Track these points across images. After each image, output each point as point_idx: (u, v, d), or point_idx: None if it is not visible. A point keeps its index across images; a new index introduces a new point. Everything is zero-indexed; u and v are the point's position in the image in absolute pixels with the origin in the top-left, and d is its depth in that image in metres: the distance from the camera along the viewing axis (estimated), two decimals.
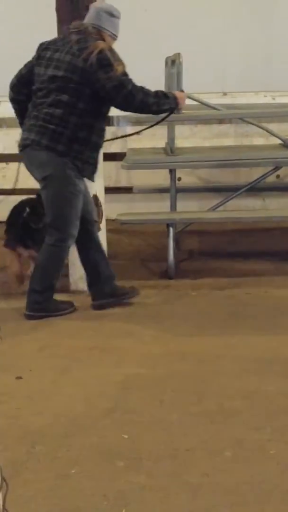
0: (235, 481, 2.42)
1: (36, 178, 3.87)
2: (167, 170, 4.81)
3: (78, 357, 3.47)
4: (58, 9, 4.19)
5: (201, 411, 2.91)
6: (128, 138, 4.97)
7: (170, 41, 5.39)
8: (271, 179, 5.44)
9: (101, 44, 3.68)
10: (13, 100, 3.99)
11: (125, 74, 3.71)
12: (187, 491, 2.37)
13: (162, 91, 3.86)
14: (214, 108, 4.90)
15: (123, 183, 5.46)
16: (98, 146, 3.87)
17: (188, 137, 5.61)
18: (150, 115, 3.97)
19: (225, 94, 5.98)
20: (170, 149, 4.76)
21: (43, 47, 3.87)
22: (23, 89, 3.92)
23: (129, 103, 3.71)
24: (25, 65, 3.95)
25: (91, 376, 3.25)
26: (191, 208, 5.11)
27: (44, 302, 3.93)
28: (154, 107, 3.76)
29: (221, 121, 5.85)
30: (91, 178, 3.91)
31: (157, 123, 4.17)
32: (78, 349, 3.55)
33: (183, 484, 2.41)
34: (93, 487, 2.38)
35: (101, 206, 4.32)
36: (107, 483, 2.42)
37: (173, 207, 4.79)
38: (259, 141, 5.51)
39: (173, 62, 4.53)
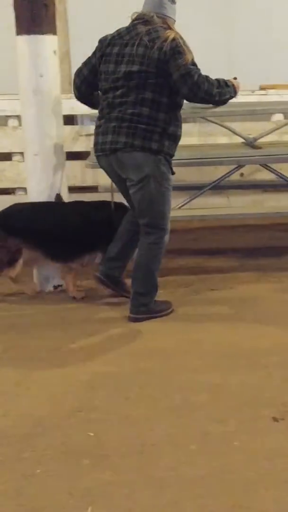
0: (200, 473, 2.44)
1: (130, 180, 3.72)
2: None
3: (43, 357, 3.46)
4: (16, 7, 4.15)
5: (167, 406, 2.92)
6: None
7: None
8: (235, 177, 5.48)
9: (172, 33, 3.59)
10: (81, 100, 3.96)
11: (193, 63, 3.60)
12: (152, 485, 2.38)
13: (223, 80, 3.73)
14: None
15: (89, 183, 5.45)
16: (179, 140, 3.83)
17: None
18: None
19: None
20: None
21: (106, 43, 3.72)
22: (89, 89, 3.86)
23: (195, 93, 3.60)
24: (85, 65, 3.83)
25: (57, 376, 3.25)
26: None
27: (150, 303, 3.89)
28: (217, 97, 3.68)
29: (185, 120, 5.87)
30: (173, 171, 3.86)
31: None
32: (43, 350, 3.55)
33: (149, 478, 2.42)
34: (59, 486, 2.38)
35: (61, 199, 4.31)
36: (72, 482, 2.42)
37: None
38: (222, 140, 5.55)
39: None
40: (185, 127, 5.73)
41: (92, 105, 3.97)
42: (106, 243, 4.09)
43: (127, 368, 3.32)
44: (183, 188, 5.28)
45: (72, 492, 2.36)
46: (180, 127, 3.80)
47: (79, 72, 3.86)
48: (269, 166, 5.03)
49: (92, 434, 2.72)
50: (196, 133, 5.68)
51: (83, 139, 4.67)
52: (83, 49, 5.80)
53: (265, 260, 4.96)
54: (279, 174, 5.07)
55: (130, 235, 4.02)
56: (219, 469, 2.47)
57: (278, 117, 5.60)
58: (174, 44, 3.54)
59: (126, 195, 3.90)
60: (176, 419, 2.81)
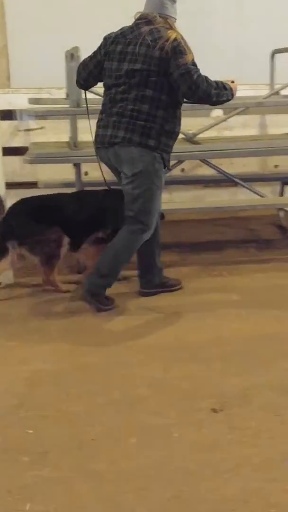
0: (139, 466, 2.45)
1: (124, 174, 3.81)
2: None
3: None
4: None
5: (107, 401, 2.92)
6: (32, 132, 4.91)
7: (71, 35, 5.36)
8: (177, 172, 5.52)
9: (174, 33, 3.67)
10: (83, 88, 4.09)
11: (194, 63, 3.68)
12: (92, 480, 2.38)
13: (222, 82, 3.80)
14: None
15: (28, 178, 5.38)
16: (177, 135, 3.93)
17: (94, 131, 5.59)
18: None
19: None
20: (74, 143, 4.73)
21: (110, 41, 3.82)
22: (94, 81, 4.00)
23: (193, 92, 3.67)
24: (91, 59, 3.93)
25: None
26: None
27: (103, 289, 3.94)
28: (214, 98, 3.75)
29: None
30: (169, 167, 3.98)
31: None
32: None
33: (88, 473, 2.42)
34: None
35: (2, 201, 4.25)
36: (11, 479, 2.39)
37: None
38: None
39: (72, 56, 4.50)
40: None
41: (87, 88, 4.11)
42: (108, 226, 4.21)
43: (67, 364, 3.30)
44: None
45: (11, 489, 2.34)
46: (179, 124, 3.89)
47: (85, 65, 3.96)
48: (208, 162, 5.07)
49: (31, 431, 2.69)
50: None
51: (22, 134, 4.60)
52: (21, 44, 5.78)
53: (206, 254, 5.01)
54: (219, 169, 5.12)
55: (148, 249, 4.09)
56: (158, 461, 2.48)
57: (217, 113, 5.65)
58: (175, 43, 3.62)
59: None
60: (116, 413, 2.81)
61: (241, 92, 5.83)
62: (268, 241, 5.36)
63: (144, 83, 3.69)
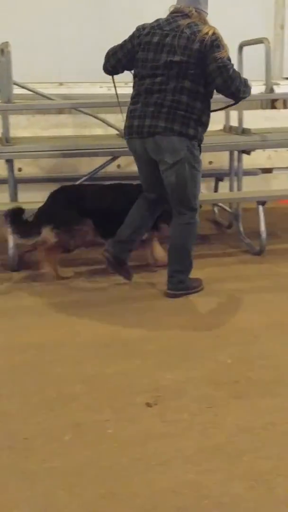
0: (73, 463, 2.45)
1: (165, 163, 3.89)
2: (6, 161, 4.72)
3: None
4: None
5: (41, 399, 2.90)
6: None
7: (1, 30, 5.29)
8: (113, 168, 5.51)
9: (212, 28, 3.79)
10: (110, 74, 4.16)
11: (229, 59, 3.81)
12: (25, 479, 2.36)
13: (245, 80, 3.93)
14: (48, 98, 4.86)
15: None
16: (208, 126, 4.05)
17: (26, 127, 5.53)
18: None
19: (61, 84, 5.97)
20: (6, 139, 4.66)
21: (146, 32, 3.88)
22: (121, 70, 4.09)
23: (228, 86, 3.80)
24: (121, 48, 4.00)
25: None
26: (34, 199, 5.03)
27: (186, 280, 4.11)
28: (241, 94, 3.91)
29: (60, 111, 5.84)
30: None
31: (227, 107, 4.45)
32: None
33: (21, 473, 2.40)
34: None
35: None
36: None
37: (12, 198, 4.72)
38: (98, 131, 5.55)
39: (2, 51, 4.44)
40: (59, 118, 5.76)
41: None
42: None
43: (1, 363, 3.25)
44: (60, 180, 5.24)
45: None
46: (209, 116, 4.02)
47: (114, 52, 4.04)
48: None
49: None
50: (71, 124, 5.64)
51: None
52: None
53: (143, 251, 5.00)
54: None
55: (143, 221, 4.22)
56: (92, 457, 2.48)
57: None
58: (214, 37, 3.75)
59: (149, 177, 4.07)
60: (50, 411, 2.80)
61: None
62: (203, 236, 5.42)
63: (183, 75, 3.79)
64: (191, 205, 4.00)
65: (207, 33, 3.74)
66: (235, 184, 5.39)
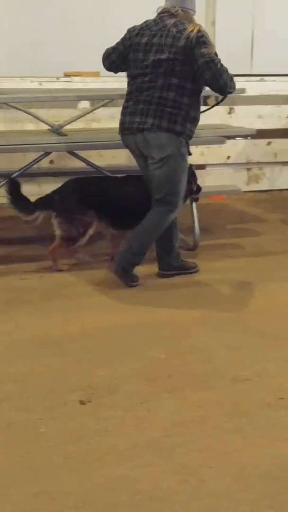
0: (5, 463, 2.42)
1: (152, 158, 4.02)
2: None
3: None
4: None
5: None
6: None
7: None
8: (45, 164, 5.46)
9: (197, 26, 3.94)
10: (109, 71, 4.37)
11: (216, 54, 3.94)
12: None
13: (231, 75, 4.04)
14: None
15: None
16: (198, 121, 4.17)
17: None
18: None
19: None
20: None
21: (135, 33, 4.05)
22: (116, 70, 4.30)
23: (216, 80, 3.93)
24: (114, 50, 4.18)
25: None
26: None
27: (132, 265, 4.14)
28: (228, 88, 4.03)
29: None
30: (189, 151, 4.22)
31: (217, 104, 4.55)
32: None
33: None
34: None
35: None
36: None
37: None
38: (29, 126, 5.49)
39: None
40: None
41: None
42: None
43: None
44: None
45: None
46: (199, 111, 4.16)
47: (107, 56, 4.24)
48: (76, 154, 5.05)
49: None
50: (2, 119, 5.56)
51: None
52: None
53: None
54: (87, 161, 5.11)
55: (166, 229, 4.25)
56: (24, 457, 2.46)
57: (84, 104, 5.65)
58: (200, 34, 3.90)
59: (145, 171, 4.18)
60: None
61: (106, 84, 5.92)
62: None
63: (170, 72, 3.94)
64: (171, 201, 4.12)
65: (192, 31, 3.88)
66: None
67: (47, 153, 5.04)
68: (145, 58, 3.98)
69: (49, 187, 5.63)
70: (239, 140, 6.53)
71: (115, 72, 4.37)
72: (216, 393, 2.92)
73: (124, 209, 4.42)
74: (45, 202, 4.48)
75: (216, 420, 2.71)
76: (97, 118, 5.64)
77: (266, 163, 6.54)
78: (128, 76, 4.15)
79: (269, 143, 6.53)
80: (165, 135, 3.97)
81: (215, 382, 3.02)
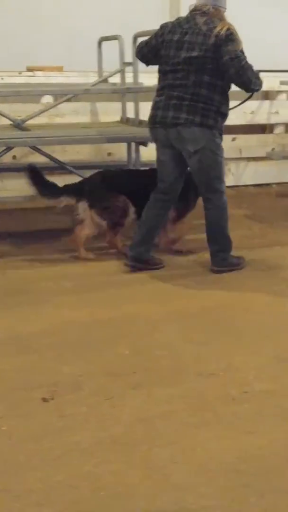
0: None
1: (187, 151, 4.19)
2: None
3: None
4: None
5: None
6: None
7: None
8: (8, 160, 5.39)
9: (227, 24, 4.07)
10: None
11: (242, 52, 4.06)
12: None
13: (258, 72, 4.17)
14: None
15: None
16: (227, 116, 4.34)
17: None
18: None
19: None
20: None
21: (167, 30, 4.18)
22: (148, 63, 4.50)
23: (240, 76, 4.07)
24: (146, 44, 4.36)
25: None
26: None
27: (228, 257, 4.41)
28: (253, 85, 4.16)
29: None
30: None
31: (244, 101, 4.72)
32: None
33: None
34: None
35: None
36: None
37: None
38: None
39: None
40: None
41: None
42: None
43: None
44: None
45: None
46: (228, 107, 4.30)
47: (140, 49, 4.44)
48: (39, 149, 5.01)
49: None
50: None
51: None
52: None
53: (41, 244, 4.95)
54: (50, 157, 5.07)
55: (158, 219, 4.44)
56: None
57: (48, 99, 5.59)
58: (228, 32, 4.03)
59: (167, 163, 4.32)
60: None
61: (70, 79, 5.87)
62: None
63: (202, 70, 4.08)
64: (216, 188, 4.30)
65: (221, 29, 4.03)
66: None
67: (9, 148, 4.99)
68: (176, 55, 4.13)
69: (12, 182, 5.61)
70: None
71: (147, 65, 4.53)
72: (181, 388, 2.91)
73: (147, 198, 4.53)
74: (73, 189, 4.60)
75: (181, 415, 2.70)
76: (60, 113, 5.59)
77: (231, 159, 6.55)
78: (159, 72, 4.28)
79: (233, 139, 6.55)
80: (199, 129, 4.13)
81: (180, 378, 3.01)
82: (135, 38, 5.14)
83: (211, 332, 3.50)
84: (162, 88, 4.23)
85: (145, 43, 4.37)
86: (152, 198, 4.39)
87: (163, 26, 4.26)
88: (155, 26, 5.10)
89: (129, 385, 2.93)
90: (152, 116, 4.27)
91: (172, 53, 4.14)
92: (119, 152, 5.82)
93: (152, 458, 2.41)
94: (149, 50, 4.33)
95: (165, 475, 2.32)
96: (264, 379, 2.98)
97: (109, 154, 5.97)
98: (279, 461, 2.40)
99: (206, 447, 2.48)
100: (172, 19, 6.54)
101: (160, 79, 4.28)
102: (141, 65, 5.10)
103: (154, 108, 4.27)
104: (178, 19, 4.28)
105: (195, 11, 4.17)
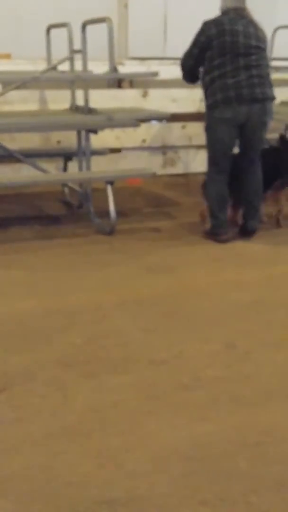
0: None
1: (263, 124, 4.78)
2: None
3: None
4: None
5: None
6: None
7: None
8: None
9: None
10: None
11: None
12: None
13: None
14: None
15: None
16: None
17: None
18: None
19: None
20: None
21: (226, 22, 4.64)
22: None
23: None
24: (191, 55, 4.76)
25: None
26: None
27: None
28: None
29: None
30: None
31: None
32: None
33: None
34: None
35: None
36: None
37: None
38: None
39: None
40: None
41: None
42: None
43: None
44: None
45: None
46: None
47: (187, 66, 4.89)
48: None
49: None
50: None
51: None
52: None
53: None
54: None
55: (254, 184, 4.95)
56: None
57: None
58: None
59: (232, 140, 4.80)
60: None
61: (18, 66, 5.78)
62: (53, 217, 5.38)
63: (264, 56, 4.79)
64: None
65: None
66: (84, 164, 5.37)
67: None
68: (246, 42, 4.64)
69: None
70: (154, 124, 6.54)
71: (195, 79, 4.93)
72: (133, 377, 2.93)
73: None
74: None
75: (133, 403, 2.71)
76: (8, 100, 5.48)
77: (181, 147, 6.57)
78: (223, 55, 4.63)
79: (183, 127, 6.56)
80: (272, 103, 4.80)
81: (132, 366, 3.03)
82: (83, 25, 5.08)
83: (163, 320, 3.52)
84: (236, 69, 4.65)
85: (189, 52, 4.75)
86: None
87: (207, 22, 4.67)
88: (103, 13, 5.11)
89: (81, 375, 2.93)
90: (235, 95, 4.64)
91: (241, 40, 4.64)
92: (69, 140, 5.77)
93: (105, 447, 2.42)
94: (198, 51, 4.68)
95: (118, 463, 2.34)
96: (215, 366, 3.02)
97: (59, 142, 5.91)
98: (230, 446, 2.44)
99: (158, 434, 2.50)
100: (120, 8, 6.54)
101: (223, 63, 4.64)
102: (91, 53, 5.09)
103: (235, 87, 4.64)
104: (226, 16, 4.69)
105: (240, 10, 4.72)
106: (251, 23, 4.73)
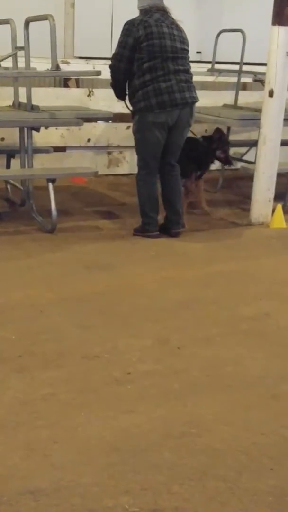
0: None
1: (189, 126, 4.93)
2: None
3: None
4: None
5: None
6: None
7: None
8: None
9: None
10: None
11: None
12: None
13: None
14: None
15: None
16: None
17: None
18: None
19: None
20: None
21: (150, 24, 4.63)
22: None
23: None
24: (122, 56, 4.71)
25: None
26: None
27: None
28: None
29: None
30: None
31: None
32: None
33: None
34: None
35: None
36: None
37: None
38: None
39: None
40: None
41: None
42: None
43: None
44: None
45: None
46: None
47: (118, 68, 4.86)
48: None
49: None
50: None
51: None
52: None
53: None
54: None
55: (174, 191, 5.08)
56: None
57: None
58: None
59: (162, 143, 4.86)
60: None
61: None
62: None
63: (187, 58, 4.83)
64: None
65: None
66: (26, 162, 5.36)
67: None
68: (173, 45, 4.68)
69: None
70: (99, 123, 6.58)
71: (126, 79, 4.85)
72: (66, 371, 2.96)
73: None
74: None
75: (64, 397, 2.74)
76: None
77: (126, 147, 6.63)
78: (153, 58, 4.64)
79: (128, 127, 6.62)
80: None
81: (65, 361, 3.05)
82: (26, 22, 5.08)
83: (98, 316, 3.56)
84: (167, 74, 4.69)
85: (120, 55, 4.70)
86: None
87: (133, 23, 4.63)
88: (47, 11, 5.11)
89: (14, 369, 2.94)
90: (169, 100, 4.70)
91: (168, 43, 4.66)
92: (13, 137, 5.76)
93: (33, 439, 2.45)
94: (129, 52, 4.64)
95: (45, 455, 2.36)
96: (146, 361, 3.07)
97: (2, 139, 5.89)
98: (156, 438, 2.49)
99: (87, 427, 2.54)
100: (67, 7, 6.54)
101: (152, 67, 4.65)
102: (33, 50, 5.08)
103: (167, 92, 4.69)
104: (149, 15, 4.65)
105: (160, 10, 4.71)
106: (174, 24, 4.75)
